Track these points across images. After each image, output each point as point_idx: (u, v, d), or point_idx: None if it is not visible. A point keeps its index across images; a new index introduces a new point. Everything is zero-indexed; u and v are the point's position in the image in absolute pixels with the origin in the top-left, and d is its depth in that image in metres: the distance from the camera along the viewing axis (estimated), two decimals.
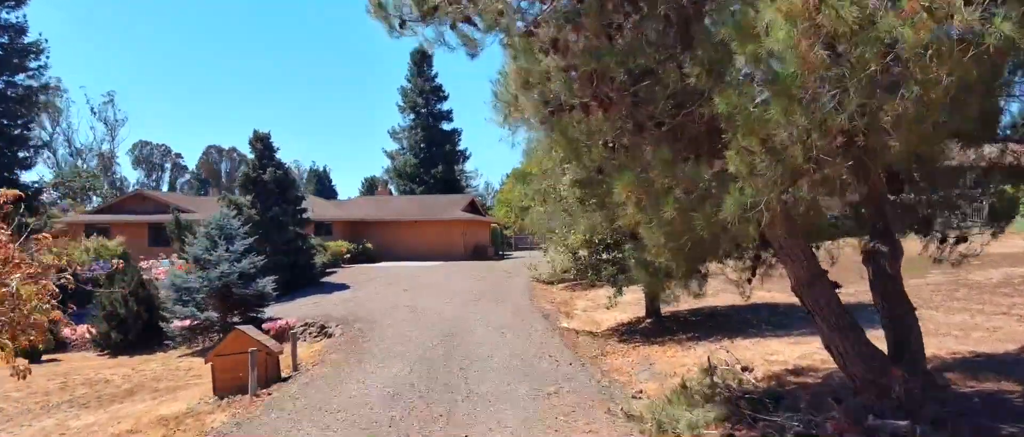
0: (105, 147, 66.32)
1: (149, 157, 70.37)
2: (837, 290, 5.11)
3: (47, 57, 28.93)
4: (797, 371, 7.88)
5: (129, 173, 79.97)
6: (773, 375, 7.83)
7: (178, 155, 73.20)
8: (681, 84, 4.25)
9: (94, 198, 55.97)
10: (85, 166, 62.87)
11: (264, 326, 16.54)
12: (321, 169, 70.61)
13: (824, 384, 7.03)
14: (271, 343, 10.13)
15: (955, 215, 6.45)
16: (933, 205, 6.32)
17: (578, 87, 5.00)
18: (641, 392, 7.89)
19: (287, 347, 10.94)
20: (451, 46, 6.30)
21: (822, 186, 4.15)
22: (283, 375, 10.21)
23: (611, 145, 4.80)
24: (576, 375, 8.73)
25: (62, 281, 4.76)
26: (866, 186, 4.43)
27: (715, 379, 6.92)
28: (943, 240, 6.59)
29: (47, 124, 62.28)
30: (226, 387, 9.55)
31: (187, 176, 76.12)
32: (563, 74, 4.94)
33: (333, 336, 14.40)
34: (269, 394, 8.93)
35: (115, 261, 7.42)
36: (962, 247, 6.53)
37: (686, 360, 9.68)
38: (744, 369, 7.55)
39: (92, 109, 75.92)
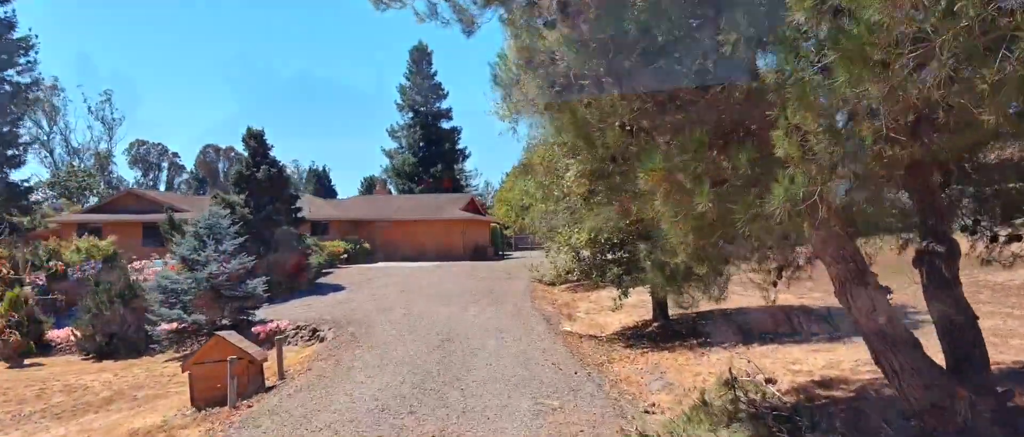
0: (102, 146, 65.71)
1: (146, 156, 69.68)
2: (888, 295, 4.43)
3: (36, 53, 28.26)
4: (825, 383, 7.20)
5: (126, 172, 79.25)
6: (799, 387, 7.15)
7: (175, 154, 72.48)
8: (717, 52, 3.58)
9: (91, 198, 55.36)
10: (82, 165, 62.23)
11: (255, 329, 15.88)
12: (321, 169, 69.89)
13: (858, 399, 6.35)
14: (254, 350, 9.45)
15: (1013, 212, 5.77)
16: (985, 199, 5.64)
17: (590, 62, 4.33)
18: (654, 406, 7.22)
19: (273, 354, 10.27)
20: (444, 20, 5.63)
21: (884, 174, 3.47)
22: (268, 384, 9.53)
23: (629, 128, 4.12)
24: (582, 386, 8.05)
25: None
26: (940, 174, 3.76)
27: (738, 393, 6.24)
28: (994, 239, 5.92)
29: (44, 123, 61.69)
30: (205, 397, 8.88)
31: (185, 176, 75.42)
32: (573, 46, 4.27)
33: (325, 340, 13.73)
34: (250, 406, 8.26)
35: (56, 264, 6.76)
36: (1015, 246, 5.86)
37: (700, 368, 9.01)
38: (768, 381, 6.87)
39: (89, 108, 75.15)
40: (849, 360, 8.05)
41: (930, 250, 4.60)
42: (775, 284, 6.43)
